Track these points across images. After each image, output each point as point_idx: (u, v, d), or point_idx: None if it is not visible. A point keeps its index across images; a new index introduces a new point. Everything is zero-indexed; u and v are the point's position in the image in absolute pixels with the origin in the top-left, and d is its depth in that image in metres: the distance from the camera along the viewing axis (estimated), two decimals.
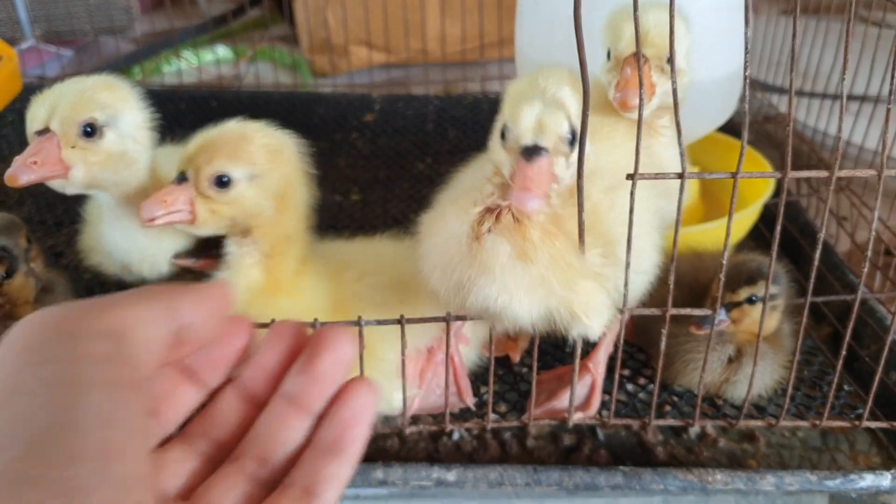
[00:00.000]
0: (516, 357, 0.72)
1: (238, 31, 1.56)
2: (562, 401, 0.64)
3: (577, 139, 0.47)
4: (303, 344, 0.36)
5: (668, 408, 0.68)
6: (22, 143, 0.58)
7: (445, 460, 0.62)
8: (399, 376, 0.58)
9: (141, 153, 0.61)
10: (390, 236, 0.66)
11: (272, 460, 0.34)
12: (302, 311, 0.55)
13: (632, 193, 0.46)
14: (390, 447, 0.64)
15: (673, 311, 0.54)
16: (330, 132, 1.19)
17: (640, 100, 0.46)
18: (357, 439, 0.34)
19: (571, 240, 0.49)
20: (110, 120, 0.59)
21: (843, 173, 0.50)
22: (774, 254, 0.52)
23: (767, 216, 0.88)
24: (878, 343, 0.72)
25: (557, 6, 0.83)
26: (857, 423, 0.63)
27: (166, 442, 0.34)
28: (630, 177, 0.46)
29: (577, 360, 0.56)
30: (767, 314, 0.61)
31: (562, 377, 0.68)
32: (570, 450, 0.64)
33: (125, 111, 0.60)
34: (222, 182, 0.54)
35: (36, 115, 0.57)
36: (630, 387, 0.70)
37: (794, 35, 0.45)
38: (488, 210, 0.48)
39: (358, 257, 0.64)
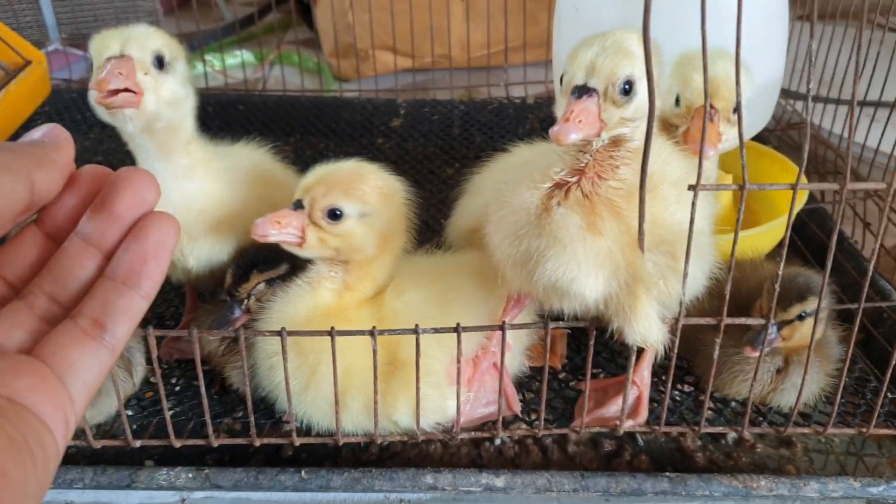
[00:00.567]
0: (558, 364, 0.73)
1: (261, 33, 1.57)
2: (609, 409, 0.65)
3: (633, 92, 0.46)
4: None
5: (710, 414, 0.68)
6: None
7: (489, 466, 0.63)
8: (449, 384, 0.59)
9: (189, 97, 0.63)
10: (424, 251, 0.68)
11: (62, 296, 0.33)
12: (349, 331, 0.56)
13: (693, 203, 0.47)
14: (433, 452, 0.65)
15: (728, 320, 0.55)
16: (357, 137, 1.20)
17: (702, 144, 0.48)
18: (153, 274, 0.33)
19: (631, 233, 0.49)
20: (173, 60, 0.60)
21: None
22: (828, 270, 0.52)
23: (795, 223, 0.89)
24: None
25: (598, 12, 0.84)
26: None
27: None
28: (692, 188, 0.46)
29: (631, 369, 0.57)
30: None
31: (607, 388, 0.68)
32: (612, 455, 0.65)
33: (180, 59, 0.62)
34: (335, 215, 0.58)
35: (110, 45, 0.57)
36: (675, 394, 0.71)
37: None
38: (557, 185, 0.49)
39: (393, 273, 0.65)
